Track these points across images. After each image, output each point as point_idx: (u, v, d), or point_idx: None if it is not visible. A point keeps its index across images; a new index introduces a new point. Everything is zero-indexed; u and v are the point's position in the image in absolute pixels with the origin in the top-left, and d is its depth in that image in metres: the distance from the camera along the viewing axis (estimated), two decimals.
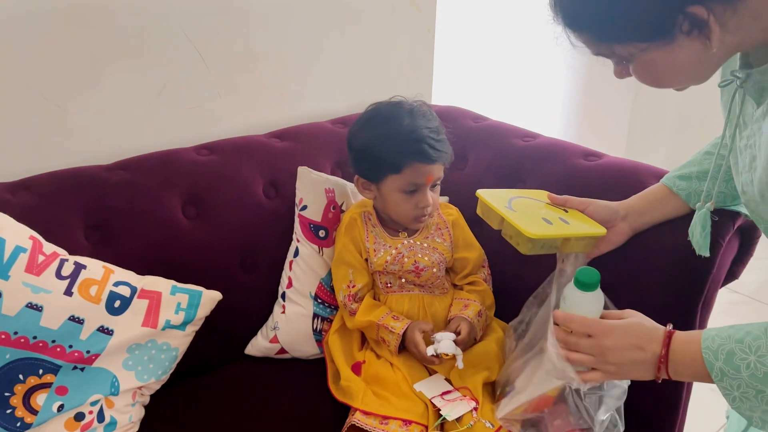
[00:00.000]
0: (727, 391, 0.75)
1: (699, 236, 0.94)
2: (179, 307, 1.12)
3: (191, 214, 1.27)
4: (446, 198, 1.45)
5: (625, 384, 0.96)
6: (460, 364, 1.13)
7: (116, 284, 1.07)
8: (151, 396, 1.15)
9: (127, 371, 1.08)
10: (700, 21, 0.69)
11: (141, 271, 1.15)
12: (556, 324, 0.91)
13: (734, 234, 1.10)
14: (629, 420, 1.01)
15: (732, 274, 1.16)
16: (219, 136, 1.42)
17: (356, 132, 1.22)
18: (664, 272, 1.09)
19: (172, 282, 1.14)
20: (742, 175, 0.83)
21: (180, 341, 1.13)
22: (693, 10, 0.68)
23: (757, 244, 1.15)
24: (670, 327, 0.83)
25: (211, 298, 1.16)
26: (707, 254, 0.96)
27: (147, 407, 1.14)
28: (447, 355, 1.12)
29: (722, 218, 1.07)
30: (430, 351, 1.12)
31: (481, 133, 1.55)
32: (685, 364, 0.79)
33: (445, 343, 1.12)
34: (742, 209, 1.06)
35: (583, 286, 0.89)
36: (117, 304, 1.06)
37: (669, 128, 2.72)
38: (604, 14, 0.72)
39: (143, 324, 1.09)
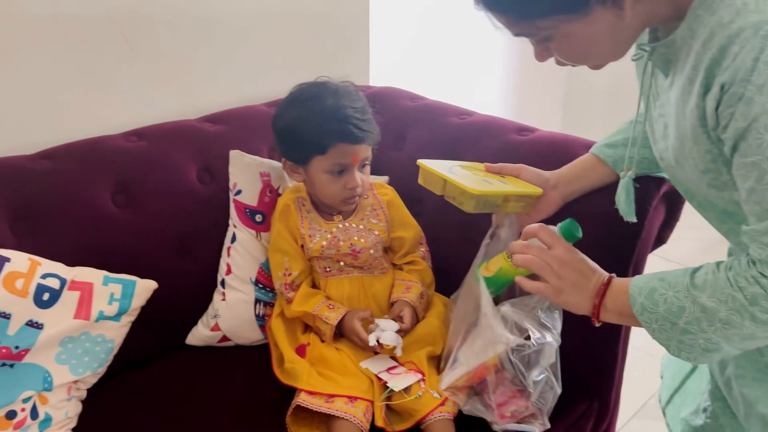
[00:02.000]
0: (647, 324, 0.81)
1: (624, 203, 0.98)
2: (113, 297, 1.10)
3: (122, 203, 1.24)
4: (386, 178, 1.45)
5: (555, 342, 0.99)
6: (399, 351, 1.14)
7: (44, 276, 1.04)
8: (89, 390, 1.12)
9: (60, 365, 1.04)
10: None
11: (72, 263, 1.11)
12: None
13: (660, 200, 1.14)
14: (566, 384, 1.04)
15: (660, 239, 1.20)
16: (149, 122, 1.38)
17: (280, 113, 1.20)
18: (594, 238, 1.11)
19: (104, 272, 1.11)
20: (659, 143, 0.86)
21: (116, 332, 1.11)
22: None
23: (682, 209, 1.19)
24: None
25: (146, 287, 1.13)
26: (634, 220, 0.99)
27: (85, 401, 1.12)
28: (388, 345, 1.13)
29: (648, 185, 1.11)
30: (372, 340, 1.12)
31: (418, 113, 1.56)
32: (615, 301, 0.86)
33: (388, 334, 1.13)
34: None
35: (570, 235, 0.95)
36: (46, 296, 1.03)
37: (602, 102, 2.79)
38: None
39: (75, 316, 1.06)
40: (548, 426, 1.04)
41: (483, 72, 2.55)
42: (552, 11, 0.74)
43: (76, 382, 1.08)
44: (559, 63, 0.83)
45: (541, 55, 0.82)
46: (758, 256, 0.70)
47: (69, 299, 1.06)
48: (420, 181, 1.10)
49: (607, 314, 0.87)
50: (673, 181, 0.91)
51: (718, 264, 0.77)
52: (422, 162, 1.09)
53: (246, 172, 1.30)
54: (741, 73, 0.65)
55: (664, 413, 1.19)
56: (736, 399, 0.93)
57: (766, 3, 0.65)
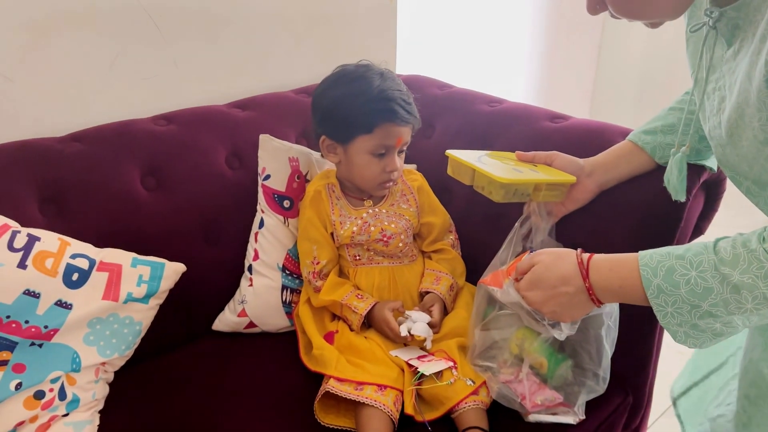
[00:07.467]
0: (660, 308, 0.76)
1: (676, 181, 0.93)
2: (141, 279, 1.08)
3: (151, 186, 1.23)
4: (414, 166, 1.43)
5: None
6: (429, 344, 1.12)
7: (73, 257, 1.03)
8: (116, 373, 1.11)
9: (88, 347, 1.03)
10: None
11: (99, 245, 1.10)
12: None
13: (700, 188, 1.10)
14: None
15: (698, 229, 1.17)
16: (176, 107, 1.37)
17: (324, 91, 1.18)
18: (631, 228, 1.09)
19: (133, 254, 1.10)
20: (710, 120, 0.83)
21: (143, 315, 1.10)
22: None
23: (721, 199, 1.16)
24: (579, 252, 0.86)
25: (174, 270, 1.12)
26: (683, 199, 0.95)
27: (111, 384, 1.11)
28: (419, 336, 1.11)
29: (688, 173, 1.07)
30: (403, 331, 1.11)
31: (447, 101, 1.53)
32: (609, 290, 0.83)
33: (419, 325, 1.12)
34: (707, 163, 1.06)
35: None
36: (75, 277, 1.02)
37: (631, 93, 2.74)
38: None
39: (104, 297, 1.04)
40: (583, 417, 1.01)
41: (510, 60, 2.51)
42: None
43: (103, 364, 1.07)
44: (613, 16, 0.78)
45: (594, 8, 0.78)
46: None
47: (98, 280, 1.04)
48: (449, 171, 1.10)
49: (606, 299, 0.84)
50: (722, 162, 0.87)
51: (744, 236, 0.72)
52: (451, 152, 1.08)
53: (275, 157, 1.28)
54: None
55: (674, 404, 1.16)
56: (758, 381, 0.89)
57: None
